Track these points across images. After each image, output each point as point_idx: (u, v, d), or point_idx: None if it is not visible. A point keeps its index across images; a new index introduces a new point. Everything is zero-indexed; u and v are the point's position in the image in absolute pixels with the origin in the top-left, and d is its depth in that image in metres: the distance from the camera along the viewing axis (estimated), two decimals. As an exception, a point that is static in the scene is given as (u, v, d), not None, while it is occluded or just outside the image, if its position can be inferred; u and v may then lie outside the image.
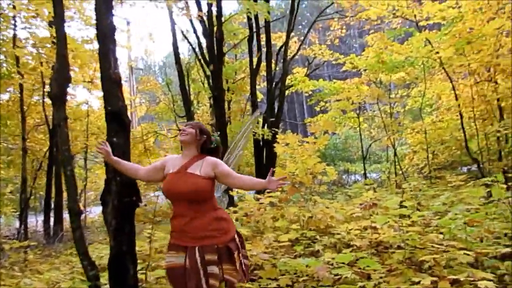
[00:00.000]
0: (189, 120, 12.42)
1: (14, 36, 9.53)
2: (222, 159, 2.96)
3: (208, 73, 11.49)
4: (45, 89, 10.73)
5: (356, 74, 17.86)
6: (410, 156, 12.86)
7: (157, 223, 4.30)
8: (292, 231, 4.21)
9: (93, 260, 3.34)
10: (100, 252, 6.33)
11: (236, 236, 2.76)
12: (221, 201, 8.23)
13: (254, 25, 11.82)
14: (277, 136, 11.59)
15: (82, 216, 12.99)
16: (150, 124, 15.40)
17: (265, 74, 13.46)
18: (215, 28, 11.15)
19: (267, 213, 5.14)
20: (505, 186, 6.78)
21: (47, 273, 4.55)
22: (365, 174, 12.11)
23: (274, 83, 11.93)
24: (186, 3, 9.53)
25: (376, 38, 10.39)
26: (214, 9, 10.86)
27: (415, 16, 8.34)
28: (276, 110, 11.80)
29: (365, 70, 12.00)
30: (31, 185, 11.91)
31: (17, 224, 11.72)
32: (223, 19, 10.92)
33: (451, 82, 8.05)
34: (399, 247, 3.48)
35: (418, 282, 2.79)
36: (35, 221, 13.70)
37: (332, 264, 3.41)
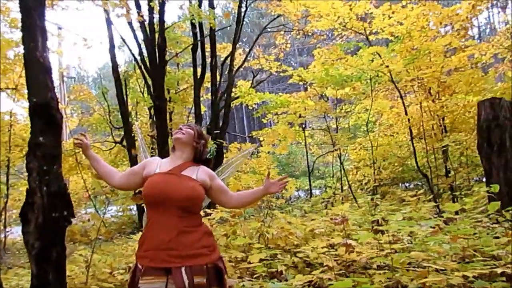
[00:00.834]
0: (127, 132, 11.59)
1: None
2: None
3: (149, 82, 10.81)
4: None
5: (298, 90, 17.94)
6: (353, 172, 12.89)
7: (91, 242, 3.61)
8: (254, 250, 3.71)
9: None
10: (20, 279, 5.40)
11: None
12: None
13: (198, 33, 11.34)
14: (223, 148, 11.16)
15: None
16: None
17: (208, 86, 13.00)
18: (156, 35, 10.56)
19: (217, 229, 4.61)
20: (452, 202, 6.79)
21: None
22: (310, 189, 11.90)
23: (219, 94, 11.46)
24: (127, 4, 8.83)
25: (324, 52, 10.32)
26: (156, 15, 10.30)
27: (365, 29, 8.32)
28: (221, 122, 11.32)
29: (310, 84, 11.95)
30: None
31: None
32: (165, 26, 10.36)
33: (401, 96, 8.07)
34: (379, 267, 3.09)
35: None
36: None
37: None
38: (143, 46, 10.79)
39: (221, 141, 10.79)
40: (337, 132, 10.79)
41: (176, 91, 13.20)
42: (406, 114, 8.04)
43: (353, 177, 12.93)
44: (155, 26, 10.39)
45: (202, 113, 12.06)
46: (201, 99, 13.41)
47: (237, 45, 12.60)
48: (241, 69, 13.54)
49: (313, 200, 7.34)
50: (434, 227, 4.00)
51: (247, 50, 14.47)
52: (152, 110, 13.02)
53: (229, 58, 11.93)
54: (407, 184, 13.63)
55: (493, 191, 3.81)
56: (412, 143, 8.21)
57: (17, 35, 10.34)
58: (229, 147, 13.47)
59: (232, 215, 4.47)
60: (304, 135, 11.94)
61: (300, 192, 15.70)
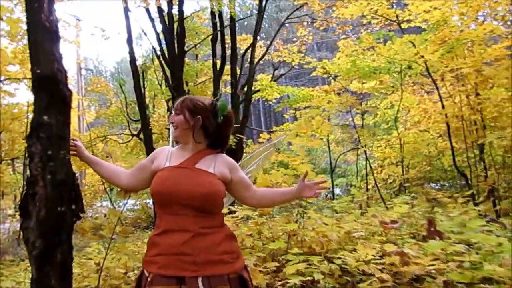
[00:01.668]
0: (144, 125, 11.27)
1: None
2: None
3: (168, 73, 10.47)
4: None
5: (316, 85, 17.38)
6: (377, 171, 12.34)
7: (105, 240, 3.24)
8: (286, 255, 3.26)
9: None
10: (29, 274, 5.04)
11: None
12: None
13: (218, 24, 10.94)
14: (243, 144, 10.77)
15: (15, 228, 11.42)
16: (100, 129, 14.02)
17: (227, 79, 12.61)
18: (175, 25, 10.19)
19: (241, 228, 4.19)
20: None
21: None
22: (332, 188, 11.41)
23: (239, 87, 11.05)
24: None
25: (350, 43, 9.82)
26: (175, 5, 9.94)
27: (397, 16, 7.79)
28: (241, 116, 10.91)
29: (334, 77, 11.44)
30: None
31: None
32: (184, 16, 10.00)
33: (437, 88, 7.51)
34: (446, 283, 2.59)
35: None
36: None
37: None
38: (161, 36, 10.46)
39: (241, 136, 10.39)
40: (362, 127, 10.26)
41: (195, 84, 12.85)
42: (443, 107, 7.49)
43: (377, 176, 12.39)
44: (174, 16, 10.06)
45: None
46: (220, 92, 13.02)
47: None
48: (261, 62, 13.11)
49: (343, 199, 6.86)
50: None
51: (266, 44, 14.05)
52: (170, 103, 12.70)
53: (249, 50, 11.52)
54: (433, 184, 13.03)
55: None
56: (450, 140, 7.64)
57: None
58: (248, 142, 13.07)
59: (260, 213, 4.04)
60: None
61: (320, 190, 15.18)
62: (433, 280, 2.69)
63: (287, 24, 13.27)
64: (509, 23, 7.11)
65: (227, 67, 11.31)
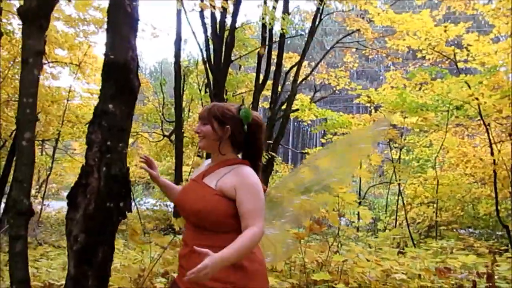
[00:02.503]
0: (178, 126, 11.26)
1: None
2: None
3: (210, 78, 10.48)
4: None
5: (348, 112, 17.08)
6: (407, 209, 11.93)
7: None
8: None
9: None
10: (51, 263, 4.94)
11: None
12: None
13: (267, 38, 10.91)
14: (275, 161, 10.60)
15: (36, 210, 11.49)
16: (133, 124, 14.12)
17: (266, 94, 12.54)
18: (226, 33, 10.22)
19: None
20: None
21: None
22: (358, 221, 11.04)
23: (278, 104, 10.94)
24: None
25: (398, 76, 9.59)
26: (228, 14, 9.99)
27: (455, 55, 7.54)
28: (276, 133, 10.77)
29: (376, 108, 11.20)
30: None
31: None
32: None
33: (488, 132, 7.20)
34: None
35: None
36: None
37: None
38: (210, 43, 10.50)
39: (273, 154, 10.23)
40: (399, 162, 9.94)
41: (234, 94, 12.81)
42: (492, 153, 7.16)
43: (405, 214, 11.98)
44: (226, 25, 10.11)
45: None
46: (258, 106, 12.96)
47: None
48: (303, 83, 13.00)
49: (380, 234, 6.56)
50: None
51: (309, 65, 13.96)
52: (207, 109, 12.70)
53: (294, 68, 11.43)
54: (462, 231, 12.54)
55: None
56: (495, 187, 7.28)
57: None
58: (277, 160, 12.89)
59: (296, 236, 3.83)
60: (360, 161, 11.14)
61: (342, 220, 14.83)
62: None
63: (328, 47, 13.18)
64: None
65: (269, 82, 11.24)
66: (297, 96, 13.99)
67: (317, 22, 10.81)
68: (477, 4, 8.15)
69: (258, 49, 10.83)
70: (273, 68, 11.13)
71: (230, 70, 11.66)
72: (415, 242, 7.97)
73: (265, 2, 10.29)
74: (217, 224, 1.66)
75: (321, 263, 3.81)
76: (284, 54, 12.73)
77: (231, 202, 1.66)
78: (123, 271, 2.73)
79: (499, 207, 8.54)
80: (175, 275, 3.38)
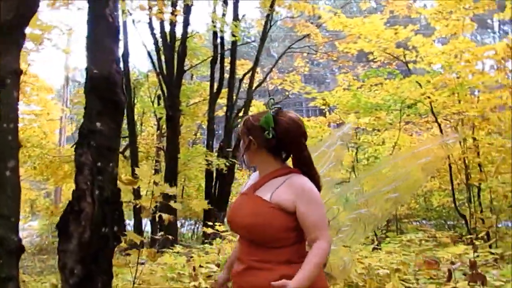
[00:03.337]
0: (132, 142, 10.91)
1: None
2: None
3: (163, 90, 10.24)
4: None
5: (300, 115, 17.28)
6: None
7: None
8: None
9: None
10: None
11: None
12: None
13: (219, 46, 10.87)
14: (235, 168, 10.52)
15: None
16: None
17: (220, 102, 12.46)
18: (177, 43, 10.06)
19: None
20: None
21: None
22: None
23: (235, 111, 10.91)
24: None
25: (349, 78, 9.87)
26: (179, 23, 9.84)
27: (404, 56, 7.86)
28: (235, 140, 10.73)
29: (330, 110, 11.45)
30: None
31: None
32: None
33: (441, 130, 7.55)
34: None
35: None
36: None
37: None
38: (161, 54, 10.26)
39: (234, 160, 10.17)
40: (357, 161, 10.20)
41: (187, 104, 12.62)
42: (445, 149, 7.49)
43: (364, 211, 12.30)
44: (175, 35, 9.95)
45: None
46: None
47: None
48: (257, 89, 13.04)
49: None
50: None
51: (260, 71, 14.04)
52: (161, 121, 12.39)
53: (247, 75, 11.43)
54: (416, 223, 13.06)
55: None
56: (451, 181, 7.63)
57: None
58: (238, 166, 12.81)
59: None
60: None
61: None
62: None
63: (274, 54, 13.38)
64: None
65: (224, 90, 11.17)
66: (252, 103, 14.02)
67: (268, 28, 10.90)
68: (420, 8, 8.56)
69: (210, 58, 10.75)
70: (226, 75, 11.09)
71: (182, 80, 11.50)
72: (378, 237, 8.19)
73: (214, 10, 10.24)
74: (274, 239, 1.58)
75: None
76: (238, 61, 12.75)
77: (289, 215, 1.58)
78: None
79: (450, 199, 9.01)
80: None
